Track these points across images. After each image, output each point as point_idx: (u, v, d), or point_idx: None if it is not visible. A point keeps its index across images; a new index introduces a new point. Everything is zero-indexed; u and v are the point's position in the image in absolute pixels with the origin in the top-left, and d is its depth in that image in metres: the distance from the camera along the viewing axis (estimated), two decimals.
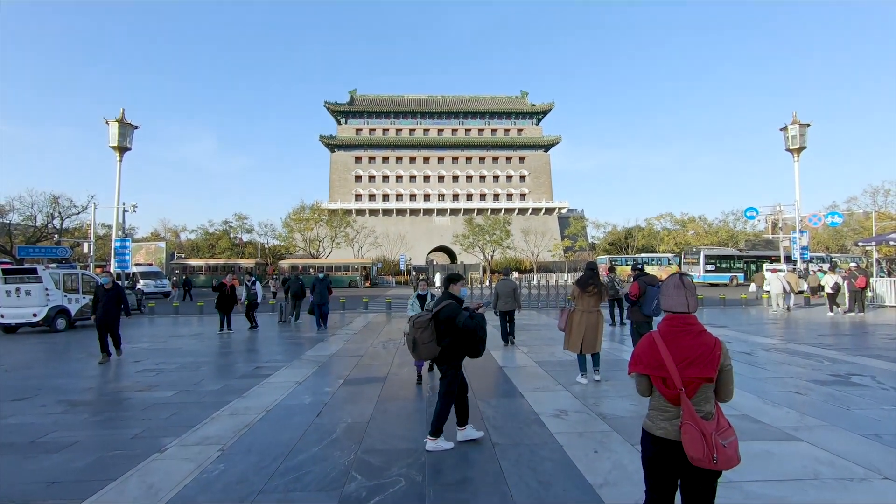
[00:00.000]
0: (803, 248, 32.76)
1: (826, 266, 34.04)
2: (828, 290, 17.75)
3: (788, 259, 34.75)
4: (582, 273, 6.99)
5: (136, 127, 30.13)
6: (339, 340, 11.42)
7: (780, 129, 32.49)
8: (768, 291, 21.53)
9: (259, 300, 14.11)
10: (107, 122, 29.35)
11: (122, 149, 29.53)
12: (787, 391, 6.33)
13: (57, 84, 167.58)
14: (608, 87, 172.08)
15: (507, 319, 10.40)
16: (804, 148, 31.73)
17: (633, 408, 5.62)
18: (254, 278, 14.18)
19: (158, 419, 5.50)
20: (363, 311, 19.53)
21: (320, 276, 13.76)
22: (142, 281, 34.82)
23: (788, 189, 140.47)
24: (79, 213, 38.92)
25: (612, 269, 13.75)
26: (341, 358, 9.22)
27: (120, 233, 30.23)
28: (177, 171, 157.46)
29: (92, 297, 15.16)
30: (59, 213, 38.33)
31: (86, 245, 30.33)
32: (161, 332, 13.83)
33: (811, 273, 29.19)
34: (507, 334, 10.39)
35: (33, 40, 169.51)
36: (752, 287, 30.85)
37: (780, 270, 30.94)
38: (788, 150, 31.80)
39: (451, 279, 4.73)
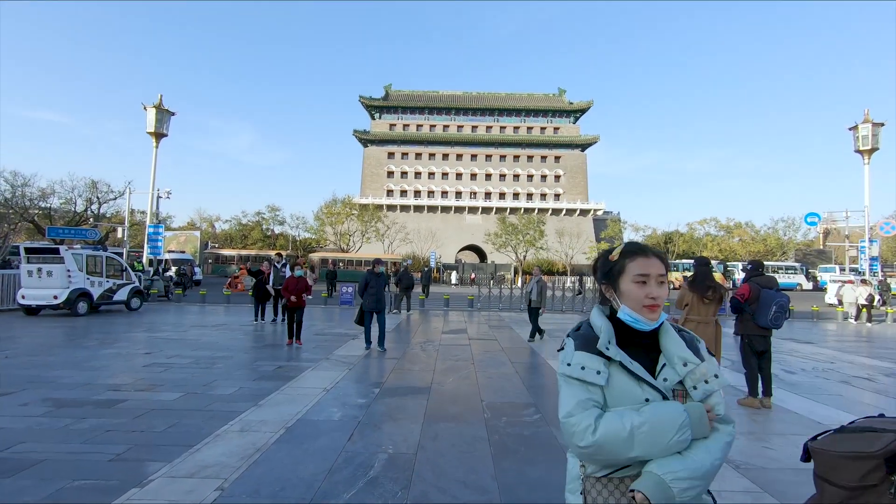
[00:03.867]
0: (873, 258, 29.95)
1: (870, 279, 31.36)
2: (862, 301, 18.08)
3: (854, 270, 31.96)
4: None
5: (174, 114, 29.97)
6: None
7: (850, 129, 29.76)
8: (842, 304, 19.60)
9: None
10: (145, 108, 29.26)
11: (158, 135, 29.45)
12: None
13: (110, 79, 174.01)
14: (646, 88, 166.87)
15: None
16: (877, 149, 28.97)
17: (774, 455, 4.17)
18: (284, 260, 13.08)
19: (152, 432, 4.37)
20: (394, 311, 18.37)
21: (380, 270, 8.93)
22: (173, 268, 34.95)
23: (841, 195, 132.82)
24: (116, 198, 39.35)
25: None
26: (375, 360, 8.01)
27: (154, 219, 30.17)
28: (216, 163, 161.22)
29: (116, 280, 14.88)
30: (98, 198, 38.82)
31: (120, 230, 30.36)
32: (184, 321, 12.99)
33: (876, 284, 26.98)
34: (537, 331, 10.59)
35: (95, 37, 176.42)
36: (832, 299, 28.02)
37: (853, 282, 28.43)
38: (858, 151, 29.08)
39: None
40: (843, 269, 53.19)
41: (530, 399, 5.72)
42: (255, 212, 65.95)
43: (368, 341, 8.98)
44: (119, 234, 30.75)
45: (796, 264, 53.63)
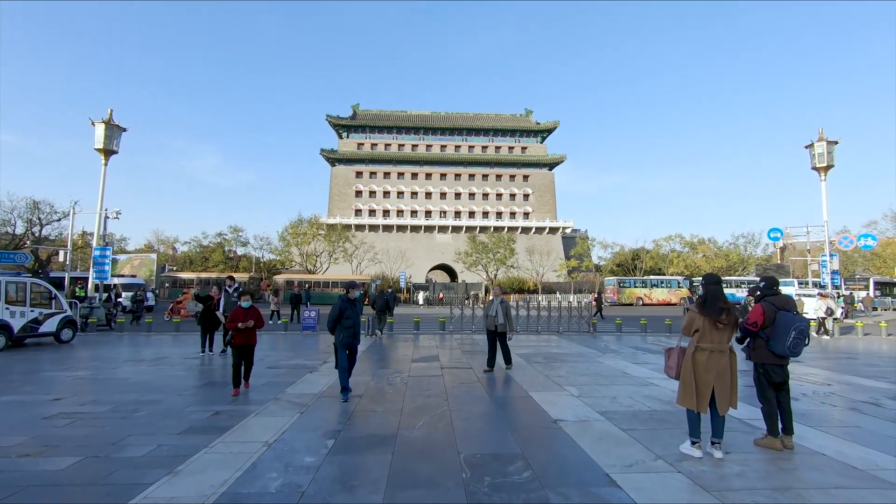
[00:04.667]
0: (834, 271, 30.66)
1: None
2: (821, 314, 18.74)
3: (816, 284, 32.66)
4: (699, 291, 4.75)
5: (125, 129, 28.20)
6: (331, 371, 9.10)
7: (806, 147, 30.56)
8: (813, 319, 19.69)
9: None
10: (93, 124, 27.43)
11: (108, 152, 27.58)
12: None
13: (64, 96, 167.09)
14: (609, 110, 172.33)
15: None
16: (832, 166, 29.85)
17: None
18: (237, 285, 11.76)
19: None
20: (372, 335, 17.17)
21: (356, 295, 7.15)
22: (123, 294, 32.73)
23: (795, 211, 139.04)
24: (60, 219, 36.73)
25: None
26: (333, 399, 6.90)
27: (101, 241, 28.09)
28: (179, 184, 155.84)
29: (43, 309, 13.17)
30: (40, 219, 36.15)
31: (62, 253, 28.10)
32: (119, 355, 11.48)
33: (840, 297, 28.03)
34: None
35: (42, 52, 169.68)
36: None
37: (824, 296, 28.88)
38: (815, 168, 29.92)
39: None
40: (801, 283, 55.08)
41: (516, 448, 4.77)
42: (216, 233, 63.22)
43: (346, 388, 6.92)
44: (61, 258, 28.49)
45: (757, 279, 55.10)
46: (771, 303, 4.84)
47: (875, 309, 39.28)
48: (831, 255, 30.33)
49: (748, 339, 4.93)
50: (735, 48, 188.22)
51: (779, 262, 77.78)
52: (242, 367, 7.44)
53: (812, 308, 27.93)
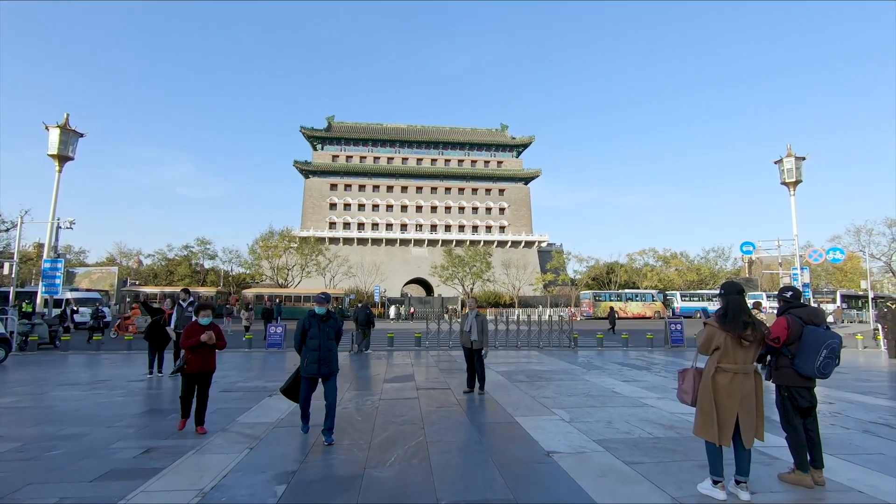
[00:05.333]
0: (805, 284, 31.14)
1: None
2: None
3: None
4: (721, 302, 4.08)
5: (82, 135, 26.66)
6: None
7: (775, 162, 31.19)
8: None
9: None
10: (47, 128, 25.86)
11: (62, 158, 26.02)
12: None
13: (24, 105, 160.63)
14: (582, 126, 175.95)
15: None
16: (800, 181, 30.54)
17: None
18: (192, 298, 10.62)
19: None
20: (359, 350, 16.15)
21: (323, 311, 5.61)
22: (80, 309, 30.80)
23: (761, 226, 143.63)
24: (7, 230, 34.42)
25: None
26: (291, 430, 5.98)
27: (52, 253, 26.30)
28: (149, 196, 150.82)
29: None
30: None
31: (7, 266, 26.14)
32: (54, 377, 10.21)
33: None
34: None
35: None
36: None
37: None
38: (784, 183, 30.51)
39: None
40: (769, 296, 56.30)
41: (507, 491, 3.98)
42: (182, 245, 60.82)
43: (307, 423, 5.77)
44: (6, 271, 26.47)
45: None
46: (797, 316, 4.22)
47: (843, 321, 40.17)
48: (802, 269, 30.91)
49: (768, 358, 4.30)
50: (706, 65, 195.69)
51: (747, 275, 79.89)
52: (195, 402, 5.86)
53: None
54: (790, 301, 4.36)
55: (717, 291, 4.83)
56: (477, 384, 8.40)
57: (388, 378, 10.10)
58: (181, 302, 10.25)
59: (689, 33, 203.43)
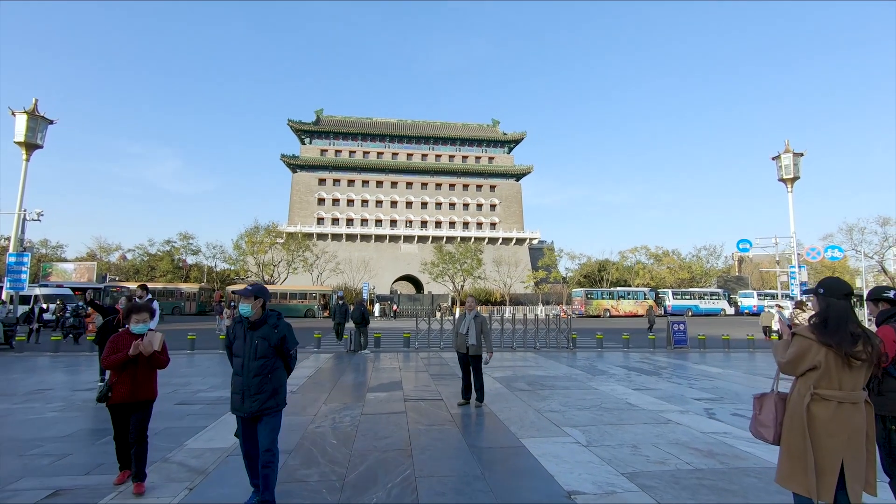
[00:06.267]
0: (803, 283, 30.55)
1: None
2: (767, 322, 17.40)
3: (787, 296, 32.61)
4: (817, 306, 2.99)
5: (52, 122, 25.11)
6: None
7: (773, 158, 30.57)
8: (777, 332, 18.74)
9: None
10: (13, 114, 24.28)
11: (30, 146, 24.49)
12: None
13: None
14: (570, 123, 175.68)
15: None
16: (798, 178, 29.90)
17: None
18: (149, 296, 9.34)
19: None
20: (313, 350, 14.98)
21: (245, 311, 3.66)
22: (47, 305, 29.19)
23: (754, 224, 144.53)
24: None
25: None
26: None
27: (18, 246, 24.77)
28: (134, 191, 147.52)
29: None
30: None
31: None
32: None
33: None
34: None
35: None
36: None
37: (782, 307, 28.42)
38: (781, 179, 29.86)
39: None
40: (760, 295, 55.95)
41: None
42: (164, 240, 58.97)
43: (255, 481, 3.76)
44: None
45: (720, 290, 55.63)
46: None
47: None
48: (800, 267, 30.29)
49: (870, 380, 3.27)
50: (695, 61, 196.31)
51: (738, 273, 79.86)
52: (132, 450, 4.04)
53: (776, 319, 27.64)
54: (892, 306, 3.33)
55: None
56: (474, 395, 7.33)
57: (373, 386, 8.99)
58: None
59: (677, 28, 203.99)
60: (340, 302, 17.86)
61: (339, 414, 6.77)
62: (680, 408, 7.22)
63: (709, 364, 12.82)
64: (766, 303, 45.76)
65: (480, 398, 7.29)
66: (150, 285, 42.14)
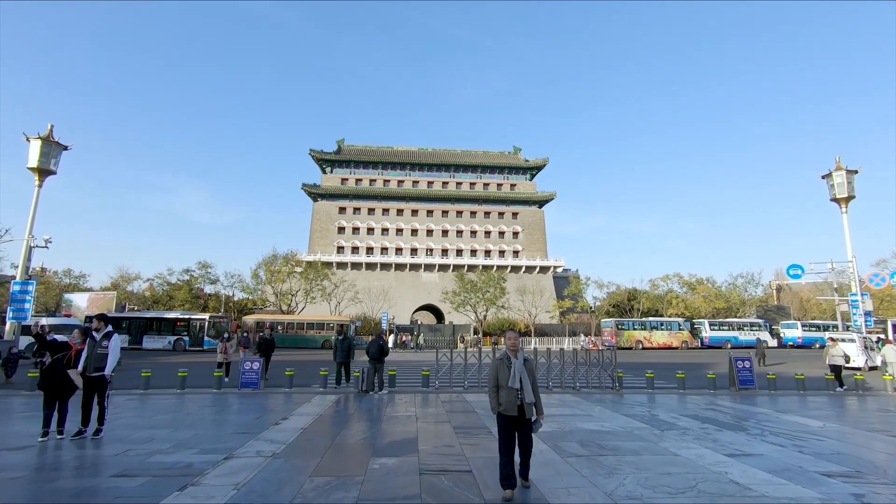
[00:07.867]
0: (867, 313, 27.43)
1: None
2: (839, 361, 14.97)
3: (847, 327, 29.38)
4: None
5: (66, 148, 24.62)
6: (230, 477, 5.11)
7: (823, 177, 28.15)
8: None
9: (110, 371, 7.25)
10: (27, 139, 23.89)
11: (42, 171, 23.97)
12: None
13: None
14: (591, 151, 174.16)
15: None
16: (853, 197, 27.29)
17: None
18: (108, 329, 7.66)
19: None
20: (318, 391, 13.06)
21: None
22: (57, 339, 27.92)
23: (794, 250, 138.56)
24: None
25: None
26: None
27: (25, 274, 23.88)
28: (163, 221, 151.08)
29: None
30: None
31: None
32: None
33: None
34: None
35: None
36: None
37: (842, 340, 25.35)
38: (834, 199, 27.29)
39: None
40: (805, 327, 51.74)
41: None
42: (182, 269, 58.60)
43: None
44: None
45: (760, 321, 51.76)
46: None
47: None
48: (863, 294, 27.25)
49: None
50: (720, 87, 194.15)
51: (777, 303, 75.15)
52: None
53: (854, 354, 24.43)
54: None
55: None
56: (518, 469, 5.20)
57: (381, 446, 6.99)
58: (94, 333, 7.35)
59: (701, 57, 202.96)
60: (341, 337, 14.64)
61: (326, 498, 4.80)
62: (814, 492, 5.03)
63: (797, 413, 10.41)
64: (826, 334, 42.11)
65: (526, 473, 5.19)
66: (168, 315, 40.03)
